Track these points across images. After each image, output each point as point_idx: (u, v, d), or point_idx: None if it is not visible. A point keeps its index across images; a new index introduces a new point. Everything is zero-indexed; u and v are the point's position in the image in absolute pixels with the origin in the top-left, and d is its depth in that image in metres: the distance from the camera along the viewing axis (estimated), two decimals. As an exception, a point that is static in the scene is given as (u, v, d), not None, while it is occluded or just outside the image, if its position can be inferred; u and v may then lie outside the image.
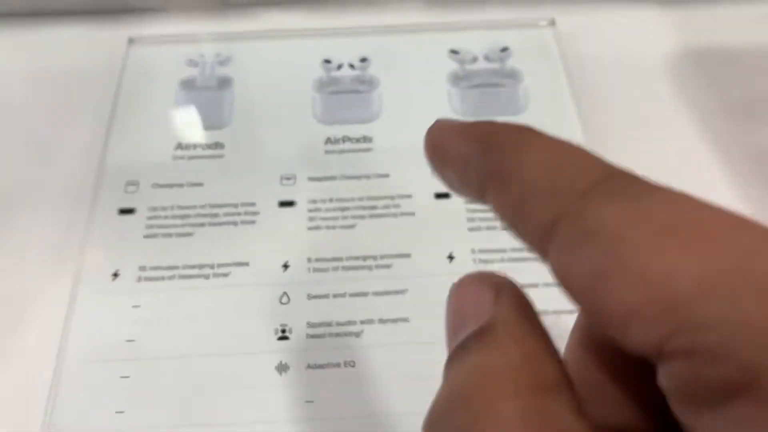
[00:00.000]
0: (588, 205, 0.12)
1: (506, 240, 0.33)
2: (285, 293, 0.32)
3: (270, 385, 0.29)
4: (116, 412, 0.29)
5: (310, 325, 0.31)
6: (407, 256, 0.33)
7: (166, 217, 0.35)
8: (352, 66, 0.41)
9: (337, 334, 0.30)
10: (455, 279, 0.33)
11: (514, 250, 0.33)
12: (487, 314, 0.13)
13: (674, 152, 0.38)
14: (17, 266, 0.34)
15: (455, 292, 0.14)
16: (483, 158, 0.14)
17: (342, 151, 0.37)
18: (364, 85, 0.40)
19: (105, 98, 0.40)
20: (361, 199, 0.35)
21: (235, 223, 0.34)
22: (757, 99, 0.40)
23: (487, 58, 0.41)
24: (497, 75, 0.40)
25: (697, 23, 0.44)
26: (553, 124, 0.38)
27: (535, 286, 0.32)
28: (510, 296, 0.13)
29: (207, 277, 0.33)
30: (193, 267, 0.33)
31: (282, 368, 0.30)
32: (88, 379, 0.30)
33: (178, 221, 0.34)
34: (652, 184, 0.12)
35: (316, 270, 0.33)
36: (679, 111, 0.40)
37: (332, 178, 0.36)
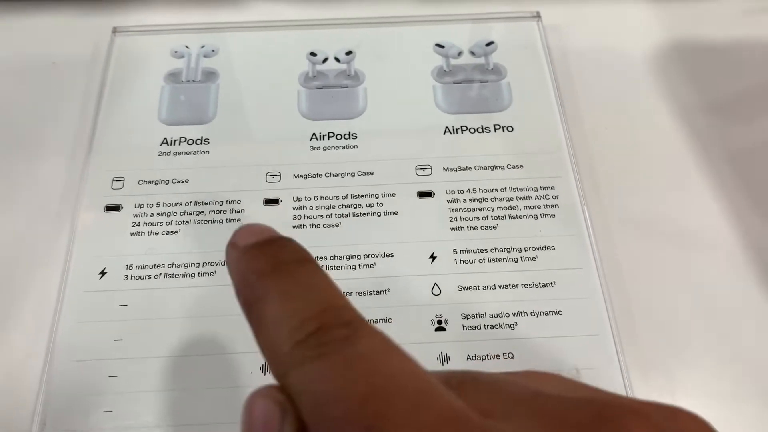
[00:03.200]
0: (288, 368, 0.15)
1: (487, 241, 0.34)
2: (269, 293, 0.32)
3: (255, 384, 0.30)
4: (104, 411, 0.29)
5: (294, 325, 0.31)
6: (390, 255, 0.34)
7: (152, 215, 0.35)
8: (337, 59, 0.41)
9: (321, 335, 0.31)
10: (436, 280, 0.34)
11: (494, 250, 0.34)
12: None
13: (655, 148, 0.38)
14: (4, 265, 0.34)
15: (249, 403, 0.15)
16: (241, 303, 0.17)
17: (327, 148, 0.37)
18: (350, 79, 0.40)
19: (90, 90, 0.40)
20: (345, 197, 0.35)
21: (220, 221, 0.35)
22: (739, 95, 0.41)
23: (472, 53, 0.41)
24: (481, 71, 0.40)
25: (682, 17, 0.44)
26: (536, 118, 0.38)
27: (514, 287, 0.33)
28: (292, 421, 0.15)
29: (193, 275, 0.33)
30: (179, 266, 0.33)
31: (266, 368, 0.30)
32: (77, 378, 0.30)
33: (164, 219, 0.35)
34: (349, 337, 0.15)
35: (300, 269, 0.33)
36: (662, 106, 0.40)
37: (317, 175, 0.36)
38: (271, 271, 0.17)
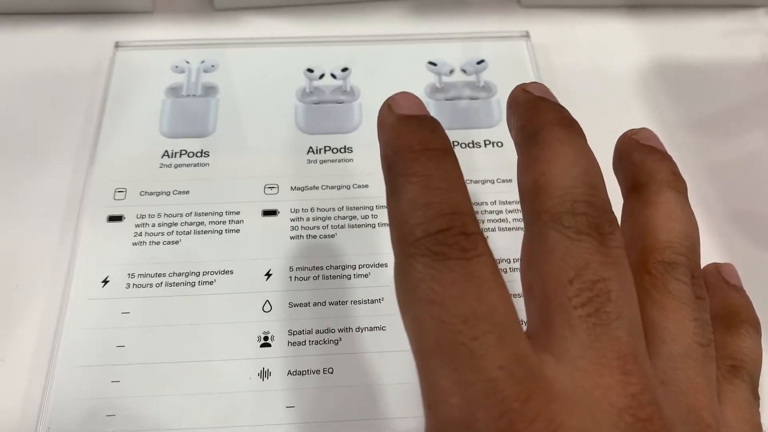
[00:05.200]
0: (414, 253, 0.18)
1: (477, 252, 0.35)
2: (267, 301, 0.34)
3: (253, 390, 0.31)
4: (107, 415, 0.30)
5: (291, 332, 0.33)
6: (384, 265, 0.35)
7: (153, 225, 0.36)
8: (333, 75, 0.42)
9: (317, 342, 0.32)
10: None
11: (484, 261, 0.35)
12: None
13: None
14: (9, 273, 0.35)
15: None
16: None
17: (323, 161, 0.39)
18: (346, 95, 0.41)
19: (92, 103, 0.41)
20: (341, 209, 0.37)
21: (220, 232, 0.36)
22: (719, 113, 0.42)
23: (463, 71, 0.43)
24: (472, 88, 0.42)
25: (665, 37, 0.46)
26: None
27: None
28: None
29: (193, 284, 0.34)
30: (180, 275, 0.34)
31: (264, 374, 0.32)
32: (80, 383, 0.31)
33: (165, 229, 0.36)
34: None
35: (297, 279, 0.34)
36: (645, 122, 0.42)
37: (314, 188, 0.38)
38: (420, 152, 0.19)
